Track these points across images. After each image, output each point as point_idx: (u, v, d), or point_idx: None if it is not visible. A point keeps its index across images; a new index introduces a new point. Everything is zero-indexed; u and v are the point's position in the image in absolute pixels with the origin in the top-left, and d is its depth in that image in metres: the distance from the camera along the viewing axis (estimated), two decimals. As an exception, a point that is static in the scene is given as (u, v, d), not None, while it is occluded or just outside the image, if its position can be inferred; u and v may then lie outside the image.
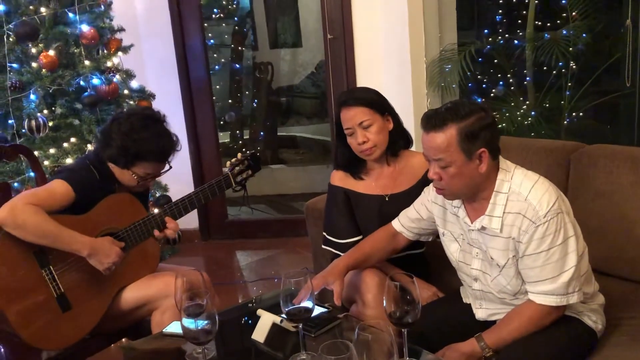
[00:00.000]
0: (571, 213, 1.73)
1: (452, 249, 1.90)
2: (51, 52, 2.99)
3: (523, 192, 1.69)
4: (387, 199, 2.19)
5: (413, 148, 2.31)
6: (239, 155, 2.28)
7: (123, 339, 2.27)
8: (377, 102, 2.12)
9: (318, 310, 1.85)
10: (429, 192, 1.96)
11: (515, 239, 1.70)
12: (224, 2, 6.32)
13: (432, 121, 1.67)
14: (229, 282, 3.75)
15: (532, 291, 1.71)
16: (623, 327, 1.87)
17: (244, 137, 6.11)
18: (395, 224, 2.06)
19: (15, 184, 2.89)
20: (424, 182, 2.11)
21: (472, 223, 1.79)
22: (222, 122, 5.89)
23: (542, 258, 1.66)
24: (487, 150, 1.66)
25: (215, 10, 6.20)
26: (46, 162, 2.98)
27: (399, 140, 2.19)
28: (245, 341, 1.85)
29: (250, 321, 1.89)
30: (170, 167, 2.16)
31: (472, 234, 1.80)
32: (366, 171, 2.23)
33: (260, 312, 1.87)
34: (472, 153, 1.65)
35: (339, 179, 2.24)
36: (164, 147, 2.08)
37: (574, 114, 3.89)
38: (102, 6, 3.18)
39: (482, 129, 1.65)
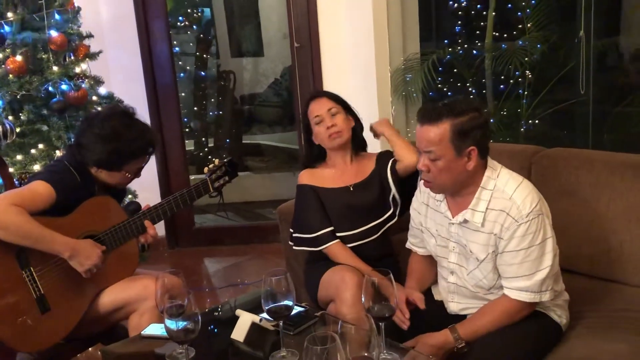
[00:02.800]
0: (550, 216, 1.82)
1: (431, 244, 1.99)
2: (18, 58, 2.96)
3: (508, 191, 1.77)
4: (351, 188, 2.31)
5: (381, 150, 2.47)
6: (217, 161, 2.31)
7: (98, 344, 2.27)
8: (342, 101, 2.35)
9: (295, 310, 1.90)
10: (415, 195, 2.05)
11: (497, 235, 1.78)
12: (189, 11, 6.32)
13: (428, 114, 1.75)
14: (197, 288, 3.75)
15: (508, 286, 1.79)
16: (584, 320, 1.97)
17: (209, 145, 6.10)
18: (407, 244, 2.15)
19: (-19, 191, 2.83)
20: (379, 165, 2.34)
21: (453, 217, 1.86)
22: (187, 130, 5.87)
23: (521, 255, 1.75)
24: (477, 149, 1.74)
25: (180, 18, 6.19)
26: (11, 169, 2.94)
27: (359, 139, 2.38)
28: (224, 341, 1.88)
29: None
30: (150, 157, 2.22)
31: (452, 227, 1.88)
32: (332, 165, 2.36)
33: (239, 312, 1.89)
34: (462, 150, 1.73)
35: (306, 178, 2.37)
36: (150, 138, 2.15)
37: (530, 121, 4.05)
38: (70, 12, 3.16)
39: (474, 128, 1.73)
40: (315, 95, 2.37)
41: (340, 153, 2.34)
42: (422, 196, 2.00)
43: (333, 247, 2.25)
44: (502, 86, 4.13)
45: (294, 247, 2.37)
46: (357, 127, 2.37)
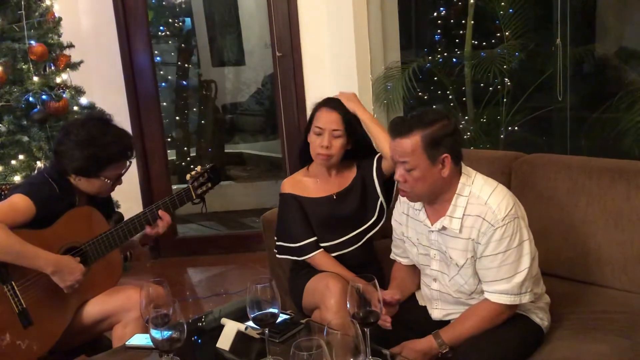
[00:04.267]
0: (526, 219, 1.86)
1: (413, 253, 2.01)
2: (-2, 68, 2.94)
3: (483, 196, 1.81)
4: (334, 197, 2.30)
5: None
6: (199, 168, 2.31)
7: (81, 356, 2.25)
8: (351, 124, 2.24)
9: (281, 318, 1.90)
10: (396, 206, 2.07)
11: (475, 240, 1.81)
12: (169, 20, 6.31)
13: (398, 128, 1.79)
14: (181, 298, 3.73)
15: (488, 290, 1.82)
16: (564, 322, 2.00)
17: (191, 155, 6.08)
18: (392, 255, 2.16)
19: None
20: (361, 170, 2.32)
21: (432, 225, 1.89)
22: (169, 139, 5.85)
23: (499, 259, 1.78)
24: (450, 156, 1.78)
25: (161, 27, 6.19)
26: (-9, 181, 2.91)
27: (364, 153, 2.33)
28: (210, 350, 1.88)
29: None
30: (130, 163, 2.19)
31: (432, 235, 1.91)
32: (314, 174, 2.34)
33: (224, 320, 1.90)
34: (436, 158, 1.77)
35: (289, 186, 2.35)
36: (127, 143, 2.13)
37: (510, 127, 4.10)
38: (51, 22, 3.15)
39: (445, 136, 1.77)
40: (329, 104, 2.25)
41: (325, 167, 2.32)
42: (402, 206, 2.03)
43: (317, 257, 2.25)
44: (482, 93, 4.18)
45: (278, 256, 2.37)
46: (361, 143, 2.30)
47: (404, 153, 1.77)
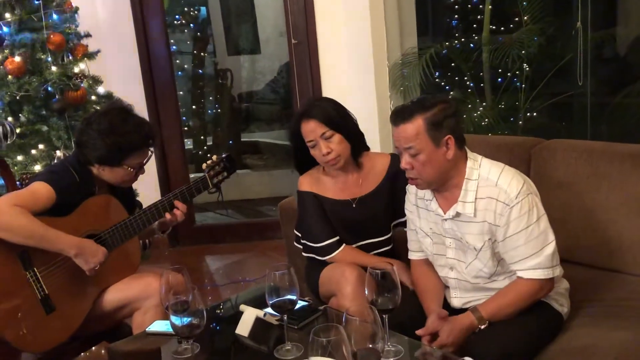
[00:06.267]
0: (539, 195, 1.85)
1: (426, 244, 2.00)
2: (17, 59, 2.96)
3: (492, 178, 1.82)
4: (354, 205, 2.24)
5: (377, 149, 2.39)
6: (215, 157, 2.32)
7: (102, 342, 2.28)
8: (334, 121, 2.13)
9: (299, 304, 1.91)
10: (406, 199, 2.05)
11: (492, 223, 1.81)
12: (185, 9, 6.32)
13: (400, 115, 1.81)
14: (199, 285, 3.75)
15: (520, 269, 1.81)
16: (584, 309, 1.99)
17: (208, 144, 6.10)
18: (410, 255, 2.11)
19: (-18, 192, 2.84)
20: (390, 176, 2.23)
21: (445, 213, 1.88)
22: (186, 128, 5.87)
23: (523, 236, 1.78)
24: (453, 137, 1.79)
25: (177, 16, 6.19)
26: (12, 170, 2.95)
27: (357, 145, 2.22)
28: (229, 336, 1.89)
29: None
30: (152, 152, 2.21)
31: (446, 223, 1.90)
32: (333, 175, 2.26)
33: (243, 307, 1.91)
34: (439, 140, 1.78)
35: (307, 184, 2.28)
36: (148, 131, 2.15)
37: (528, 114, 4.06)
38: (68, 12, 3.16)
39: (446, 117, 1.79)
40: (304, 116, 2.15)
41: (342, 169, 2.23)
42: (412, 198, 2.02)
43: (338, 257, 2.20)
44: (499, 79, 4.14)
45: (303, 254, 2.32)
46: (355, 138, 2.19)
47: (407, 138, 1.78)
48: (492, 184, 1.81)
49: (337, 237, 2.22)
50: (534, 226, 1.78)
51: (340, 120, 2.15)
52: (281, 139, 6.37)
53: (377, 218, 2.25)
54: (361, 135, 2.27)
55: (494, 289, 1.89)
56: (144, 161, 2.18)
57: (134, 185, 3.44)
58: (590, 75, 3.73)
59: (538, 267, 1.79)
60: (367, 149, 2.33)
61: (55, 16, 3.11)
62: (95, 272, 2.04)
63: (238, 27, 6.87)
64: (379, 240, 2.27)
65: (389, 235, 2.29)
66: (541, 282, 1.81)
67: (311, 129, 2.13)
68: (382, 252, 2.27)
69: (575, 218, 2.25)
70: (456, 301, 1.97)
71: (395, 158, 2.24)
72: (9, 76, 2.96)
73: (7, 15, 3.00)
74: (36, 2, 3.07)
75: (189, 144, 5.86)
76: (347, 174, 2.26)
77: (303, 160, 2.27)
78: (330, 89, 3.95)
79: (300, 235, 2.34)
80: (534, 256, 1.79)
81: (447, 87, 4.39)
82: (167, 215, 2.19)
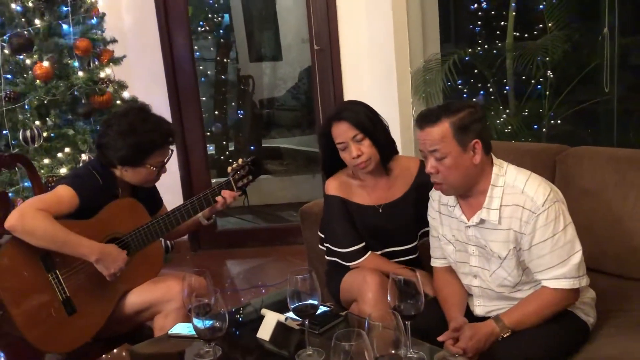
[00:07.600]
0: (566, 203, 1.82)
1: (449, 251, 1.98)
2: (45, 64, 3.02)
3: (519, 185, 1.79)
4: (380, 210, 2.23)
5: (404, 153, 2.38)
6: (240, 160, 2.33)
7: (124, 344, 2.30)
8: (365, 125, 2.12)
9: (320, 309, 1.90)
10: (429, 205, 2.03)
11: (517, 231, 1.78)
12: (209, 16, 6.38)
13: (426, 118, 1.79)
14: (220, 290, 3.74)
15: (545, 278, 1.78)
16: (611, 319, 1.95)
17: (230, 149, 6.15)
18: (433, 262, 2.09)
19: (10, 194, 2.89)
20: (418, 182, 2.21)
21: (468, 220, 1.86)
22: (208, 134, 5.92)
23: (549, 245, 1.75)
24: (480, 142, 1.77)
25: (200, 23, 6.26)
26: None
27: (387, 151, 2.21)
28: (250, 340, 1.89)
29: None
30: (173, 151, 2.23)
31: (469, 230, 1.88)
32: (361, 180, 2.25)
33: (264, 311, 1.90)
34: (466, 144, 1.76)
35: (335, 188, 2.25)
36: (168, 129, 2.17)
37: (552, 121, 4.01)
38: (95, 18, 3.21)
39: (473, 122, 1.76)
40: (336, 118, 2.15)
41: (370, 173, 2.22)
42: (435, 204, 1.99)
43: (364, 264, 2.17)
44: (523, 86, 4.10)
45: (326, 257, 2.30)
46: (384, 142, 2.17)
47: (433, 141, 1.76)
48: (519, 191, 1.78)
49: (363, 244, 2.20)
50: (560, 234, 1.75)
51: (371, 125, 2.14)
52: (302, 145, 6.39)
53: (404, 225, 2.23)
54: (392, 142, 2.25)
55: (519, 299, 1.85)
56: (165, 160, 2.19)
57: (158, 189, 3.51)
58: (617, 81, 3.68)
59: (563, 276, 1.76)
60: (397, 153, 2.30)
61: (82, 22, 3.16)
62: (116, 278, 2.05)
63: (260, 34, 6.92)
64: (405, 248, 2.24)
65: (415, 243, 2.26)
66: (566, 292, 1.78)
67: (342, 131, 2.13)
68: (407, 261, 2.24)
69: (602, 226, 2.21)
70: (479, 309, 1.94)
71: (424, 164, 2.22)
72: (37, 81, 3.01)
73: (37, 21, 3.06)
74: (65, 9, 3.12)
75: (211, 149, 5.91)
76: (376, 179, 2.24)
77: (331, 163, 2.26)
78: (352, 94, 3.94)
79: (324, 237, 2.33)
80: (559, 265, 1.76)
81: (466, 95, 4.35)
82: (221, 197, 2.22)
